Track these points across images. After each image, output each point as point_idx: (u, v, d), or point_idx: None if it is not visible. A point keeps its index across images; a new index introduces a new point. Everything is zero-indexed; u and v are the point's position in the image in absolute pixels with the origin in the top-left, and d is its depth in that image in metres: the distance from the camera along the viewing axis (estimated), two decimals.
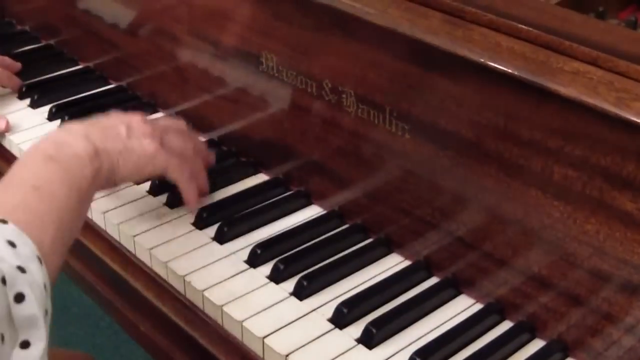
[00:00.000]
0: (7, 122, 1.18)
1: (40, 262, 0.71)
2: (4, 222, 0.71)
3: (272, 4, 1.00)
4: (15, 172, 0.81)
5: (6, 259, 0.68)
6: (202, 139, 1.14)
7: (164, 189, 1.04)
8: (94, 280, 1.08)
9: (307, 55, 0.98)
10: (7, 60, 1.30)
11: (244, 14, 1.05)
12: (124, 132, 0.92)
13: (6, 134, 1.17)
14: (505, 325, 0.88)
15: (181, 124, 1.04)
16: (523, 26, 0.79)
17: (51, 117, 1.22)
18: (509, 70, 0.77)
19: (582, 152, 0.77)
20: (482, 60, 0.78)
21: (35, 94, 1.25)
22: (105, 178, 0.88)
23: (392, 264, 0.96)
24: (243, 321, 0.87)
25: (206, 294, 0.90)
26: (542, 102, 0.78)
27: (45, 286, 0.70)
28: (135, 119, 0.96)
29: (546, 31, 0.79)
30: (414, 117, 0.89)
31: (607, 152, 0.75)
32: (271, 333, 0.85)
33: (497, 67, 0.77)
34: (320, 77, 0.98)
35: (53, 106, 1.22)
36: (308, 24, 0.97)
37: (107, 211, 1.02)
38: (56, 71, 1.35)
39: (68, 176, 0.82)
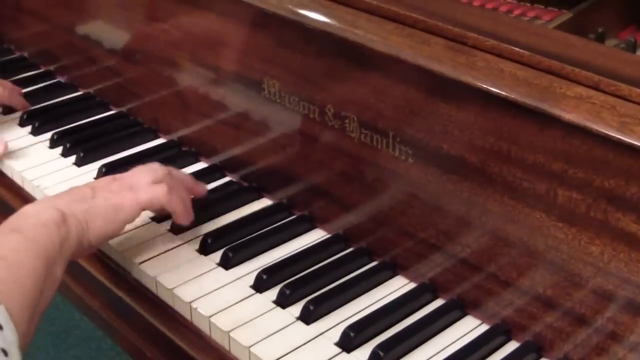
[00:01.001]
0: (6, 144, 1.19)
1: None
2: None
3: (274, 31, 1.01)
4: None
5: None
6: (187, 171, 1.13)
7: (168, 215, 1.04)
8: (99, 307, 1.08)
9: (309, 81, 0.99)
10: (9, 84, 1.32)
11: (245, 41, 1.06)
12: (89, 194, 0.94)
13: (7, 160, 1.18)
14: (512, 346, 0.89)
15: (153, 164, 1.03)
16: (525, 51, 0.80)
17: (53, 144, 1.22)
18: (514, 97, 0.78)
19: (585, 175, 0.78)
20: (487, 87, 0.79)
21: (36, 121, 1.26)
22: (77, 240, 0.89)
23: (397, 286, 0.97)
24: (250, 346, 0.87)
25: (213, 320, 0.91)
26: (546, 127, 0.79)
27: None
28: (101, 180, 0.99)
29: (548, 56, 0.80)
30: (418, 141, 0.90)
31: (610, 174, 0.76)
32: (279, 358, 0.86)
33: (500, 94, 0.78)
34: (322, 102, 0.99)
35: (55, 133, 1.23)
36: (310, 50, 0.98)
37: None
38: (56, 98, 1.35)
39: (34, 245, 0.84)
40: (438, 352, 0.88)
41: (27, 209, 0.90)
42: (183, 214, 1.00)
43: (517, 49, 0.81)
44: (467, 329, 0.91)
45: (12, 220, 0.87)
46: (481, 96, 0.82)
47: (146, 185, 0.98)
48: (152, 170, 1.01)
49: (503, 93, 0.79)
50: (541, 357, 0.87)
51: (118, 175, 1.00)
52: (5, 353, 0.72)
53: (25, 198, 1.14)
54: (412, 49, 0.85)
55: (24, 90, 1.35)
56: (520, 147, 0.82)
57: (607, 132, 0.72)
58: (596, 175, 0.77)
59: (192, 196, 1.04)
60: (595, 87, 0.76)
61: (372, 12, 0.91)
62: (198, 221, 1.05)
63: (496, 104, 0.81)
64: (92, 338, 1.99)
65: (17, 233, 0.85)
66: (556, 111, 0.75)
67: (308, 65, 0.99)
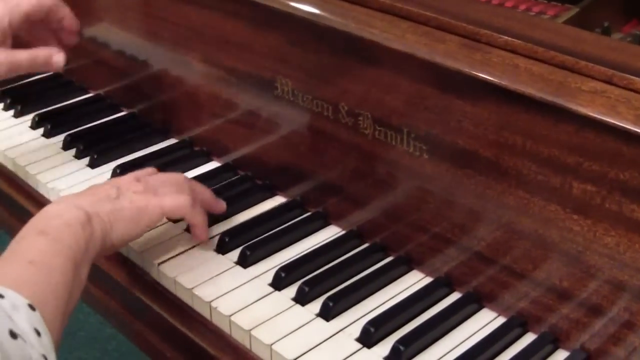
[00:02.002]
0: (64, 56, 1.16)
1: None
2: (33, 308, 0.74)
3: (287, 31, 1.02)
4: (11, 248, 0.84)
5: (35, 347, 0.71)
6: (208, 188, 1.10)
7: None
8: (116, 307, 1.09)
9: (322, 79, 1.00)
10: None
11: (258, 41, 1.06)
12: (114, 193, 0.94)
13: (21, 164, 1.18)
14: (529, 338, 0.90)
15: (179, 176, 1.04)
16: (538, 47, 0.81)
17: (66, 146, 1.23)
18: (530, 93, 0.79)
19: (600, 167, 0.79)
20: (503, 83, 0.80)
21: (48, 124, 1.27)
22: (101, 241, 0.89)
23: (414, 281, 0.98)
24: (272, 344, 0.88)
25: (233, 318, 0.91)
26: (560, 121, 0.80)
27: None
28: (124, 179, 0.99)
29: (561, 51, 0.81)
30: (432, 137, 0.91)
31: (625, 166, 0.77)
32: (301, 355, 0.87)
33: (517, 90, 0.79)
34: (336, 100, 1.00)
35: (68, 135, 1.24)
36: (324, 49, 0.99)
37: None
38: (67, 100, 1.36)
39: (60, 246, 0.84)
40: (456, 346, 0.89)
41: (51, 209, 0.90)
42: (203, 228, 1.01)
43: (530, 44, 0.82)
44: (483, 322, 0.92)
45: (36, 221, 0.87)
46: (496, 92, 0.83)
47: (170, 192, 0.98)
48: (175, 179, 1.01)
49: (520, 89, 0.80)
50: (558, 348, 0.89)
51: (140, 175, 1.01)
52: (46, 358, 0.72)
53: (39, 201, 1.15)
54: (427, 47, 0.86)
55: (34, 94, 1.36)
56: (535, 141, 0.83)
57: (623, 126, 0.73)
58: (610, 167, 0.78)
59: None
60: (609, 82, 0.77)
61: (385, 11, 0.92)
62: (213, 220, 1.06)
63: (511, 99, 0.82)
64: (96, 339, 2.00)
65: (43, 235, 0.84)
66: (572, 106, 0.76)
67: (321, 64, 1.00)
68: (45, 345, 0.73)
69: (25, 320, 0.72)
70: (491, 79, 0.81)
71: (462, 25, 0.86)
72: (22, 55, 1.14)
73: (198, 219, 1.00)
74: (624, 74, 0.76)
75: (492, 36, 0.84)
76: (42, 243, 0.83)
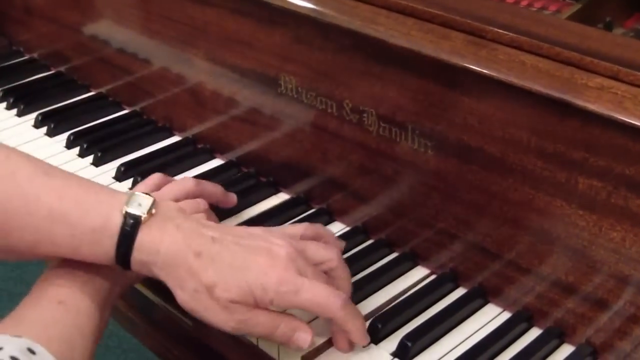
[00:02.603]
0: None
1: None
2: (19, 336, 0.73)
3: (292, 28, 1.02)
4: (38, 288, 0.82)
5: None
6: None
7: None
8: (123, 305, 1.09)
9: (326, 76, 1.00)
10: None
11: (262, 38, 1.07)
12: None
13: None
14: (535, 332, 0.90)
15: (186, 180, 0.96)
16: (544, 44, 0.82)
17: (69, 145, 1.23)
18: (537, 89, 0.79)
19: (606, 162, 0.80)
20: (510, 79, 0.81)
21: (51, 123, 1.27)
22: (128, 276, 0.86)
23: (419, 277, 0.98)
24: None
25: None
26: (566, 117, 0.80)
27: None
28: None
29: (566, 47, 0.81)
30: (437, 133, 0.92)
31: (631, 162, 0.78)
32: (309, 350, 0.87)
33: (524, 86, 0.80)
34: (340, 97, 1.00)
35: (71, 134, 1.24)
36: (328, 46, 0.99)
37: None
38: (69, 99, 1.36)
39: (88, 288, 0.82)
40: (463, 341, 0.89)
41: None
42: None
43: (536, 41, 0.82)
44: (489, 317, 0.92)
45: None
46: (501, 88, 0.83)
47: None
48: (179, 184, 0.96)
49: (527, 85, 0.80)
50: (563, 342, 0.89)
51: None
52: None
53: None
54: (433, 44, 0.86)
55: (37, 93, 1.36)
56: (540, 137, 0.83)
57: (630, 121, 0.74)
58: (617, 163, 0.79)
59: None
60: (615, 77, 0.77)
61: (390, 8, 0.92)
62: (219, 218, 1.06)
63: (516, 95, 0.83)
64: None
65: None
66: (579, 102, 0.77)
67: (326, 61, 1.00)
68: None
69: None
70: (498, 75, 0.81)
71: (468, 22, 0.86)
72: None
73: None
74: (630, 69, 0.77)
75: (497, 33, 0.84)
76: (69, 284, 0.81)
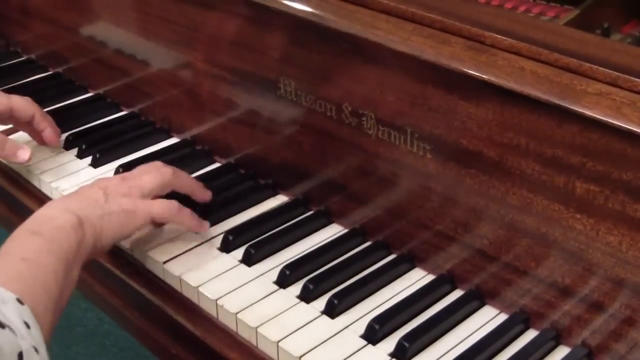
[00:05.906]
0: (30, 153, 1.17)
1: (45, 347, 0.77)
2: (21, 302, 0.76)
3: (291, 32, 1.03)
4: (4, 247, 0.86)
5: (25, 338, 0.73)
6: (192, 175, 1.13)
7: None
8: (121, 305, 1.10)
9: (326, 80, 1.01)
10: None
11: (261, 41, 1.07)
12: (102, 197, 0.96)
13: (24, 163, 1.19)
14: (531, 334, 0.91)
15: (157, 163, 1.06)
16: (543, 49, 0.83)
17: (67, 145, 1.24)
18: (536, 95, 0.80)
19: (604, 167, 0.81)
20: (510, 85, 0.82)
21: None
22: (92, 244, 0.92)
23: (416, 278, 0.99)
24: (279, 341, 0.89)
25: (239, 316, 0.93)
26: (564, 122, 0.81)
27: None
28: (111, 182, 1.00)
29: (565, 54, 0.82)
30: (436, 137, 0.93)
31: (629, 167, 0.79)
32: (307, 352, 0.88)
33: (523, 92, 0.81)
34: (339, 100, 1.01)
35: (69, 135, 1.24)
36: (327, 50, 1.00)
37: (134, 239, 1.04)
38: (67, 100, 1.36)
39: (53, 247, 0.86)
40: (459, 343, 0.90)
41: (43, 212, 0.92)
42: (197, 221, 1.03)
43: (535, 47, 0.83)
44: (486, 319, 0.93)
45: (30, 223, 0.90)
46: (500, 93, 0.84)
47: (156, 190, 1.01)
48: (158, 170, 1.03)
49: (526, 91, 0.81)
50: (559, 344, 0.90)
51: (126, 175, 1.03)
52: (37, 350, 0.74)
53: (42, 200, 1.15)
54: (433, 49, 0.87)
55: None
56: (539, 141, 0.84)
57: (629, 127, 0.75)
58: (614, 167, 0.80)
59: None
60: (614, 84, 0.78)
61: (390, 13, 0.93)
62: (217, 219, 1.07)
63: (515, 100, 0.84)
64: (95, 334, 2.00)
65: (37, 235, 0.87)
66: (578, 108, 0.78)
67: (325, 65, 1.01)
68: (35, 337, 0.75)
69: (14, 313, 0.74)
70: (497, 81, 0.82)
71: (467, 27, 0.87)
72: None
73: (188, 221, 1.02)
74: (629, 76, 0.78)
75: (496, 38, 0.85)
76: (35, 242, 0.86)
